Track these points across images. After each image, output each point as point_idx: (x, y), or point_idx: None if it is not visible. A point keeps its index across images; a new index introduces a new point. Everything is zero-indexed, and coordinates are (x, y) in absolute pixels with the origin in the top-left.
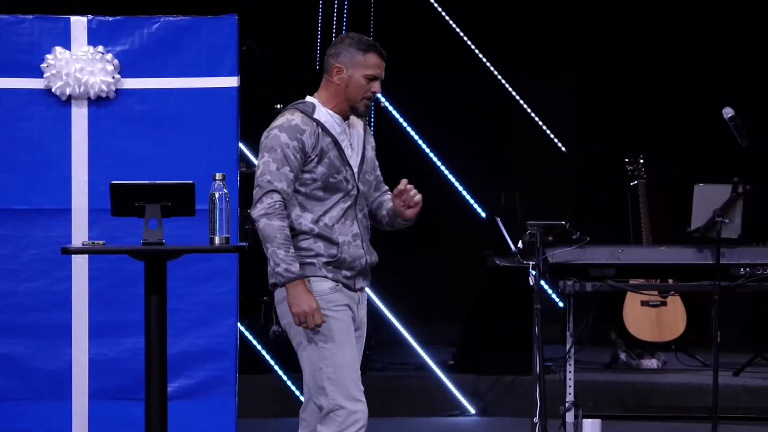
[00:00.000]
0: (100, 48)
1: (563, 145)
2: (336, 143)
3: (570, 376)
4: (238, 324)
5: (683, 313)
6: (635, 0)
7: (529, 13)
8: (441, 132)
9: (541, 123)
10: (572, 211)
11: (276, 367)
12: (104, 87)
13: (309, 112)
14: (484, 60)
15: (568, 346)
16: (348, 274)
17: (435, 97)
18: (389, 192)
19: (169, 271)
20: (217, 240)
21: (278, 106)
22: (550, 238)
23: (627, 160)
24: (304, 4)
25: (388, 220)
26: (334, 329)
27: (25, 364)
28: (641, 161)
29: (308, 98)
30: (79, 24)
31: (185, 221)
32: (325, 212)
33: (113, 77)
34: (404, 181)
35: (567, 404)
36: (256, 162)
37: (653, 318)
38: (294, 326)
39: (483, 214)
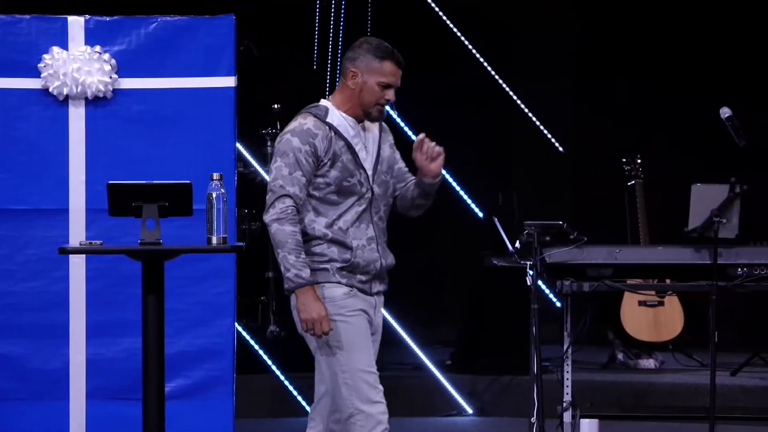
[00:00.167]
0: (98, 48)
1: (561, 145)
2: (349, 147)
3: (567, 376)
4: (236, 324)
5: (680, 313)
6: (634, 0)
7: (528, 13)
8: (439, 132)
9: (539, 123)
10: (570, 211)
11: (273, 367)
12: (101, 87)
13: (322, 116)
14: (483, 60)
15: (565, 346)
16: (363, 278)
17: (433, 97)
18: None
19: (166, 271)
20: (214, 240)
21: (276, 106)
22: (548, 238)
23: (624, 160)
24: (302, 4)
25: (420, 192)
26: (349, 334)
27: (22, 364)
28: (639, 161)
29: (322, 101)
30: (76, 24)
31: (182, 221)
32: (339, 216)
33: (110, 77)
34: (422, 135)
35: (564, 404)
36: (253, 162)
37: (651, 318)
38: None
39: (480, 214)
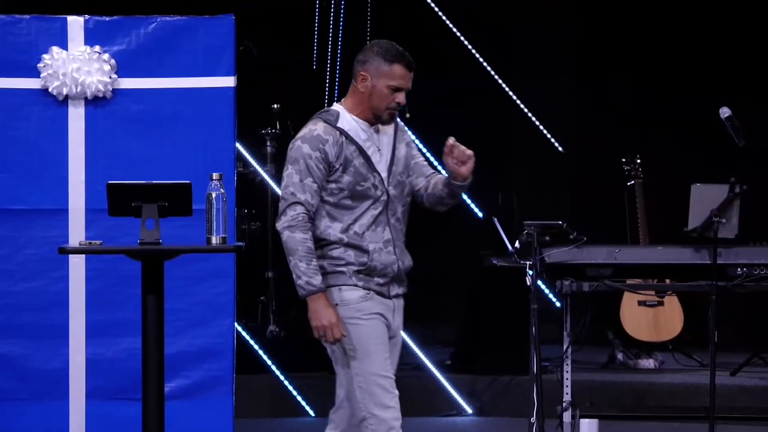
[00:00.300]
0: (97, 48)
1: (561, 145)
2: (361, 151)
3: (567, 376)
4: (235, 324)
5: (680, 313)
6: (634, 0)
7: (528, 13)
8: (439, 132)
9: (538, 123)
10: (569, 211)
11: (273, 367)
12: (101, 87)
13: (332, 121)
14: (482, 60)
15: (565, 346)
16: (381, 281)
17: (433, 96)
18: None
19: (166, 271)
20: (214, 240)
21: (275, 106)
22: (547, 238)
23: (624, 160)
24: (301, 4)
25: (448, 193)
26: (364, 338)
27: (22, 364)
28: (638, 161)
29: (335, 105)
30: (75, 24)
31: (182, 221)
32: (355, 220)
33: (110, 77)
34: (451, 139)
35: (564, 404)
36: (253, 162)
37: (650, 318)
38: None
39: (480, 214)
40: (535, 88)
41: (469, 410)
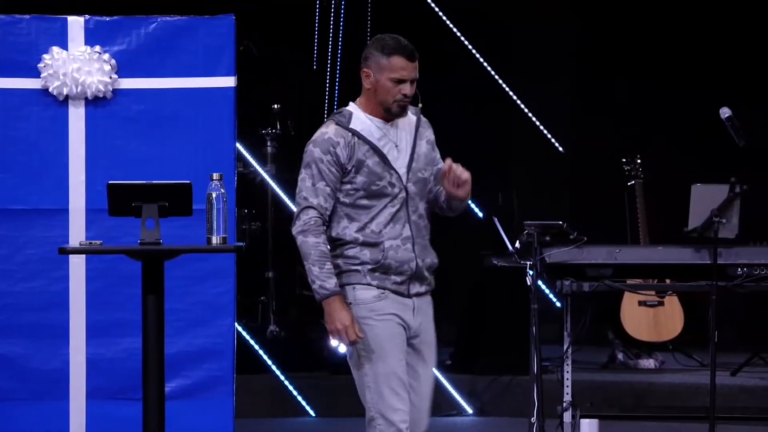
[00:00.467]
0: (97, 48)
1: (561, 145)
2: (376, 150)
3: (567, 376)
4: (236, 324)
5: (680, 313)
6: (634, 0)
7: (528, 13)
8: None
9: (538, 123)
10: (569, 211)
11: (273, 367)
12: (101, 87)
13: (344, 123)
14: (483, 60)
15: (565, 346)
16: (398, 279)
17: (433, 96)
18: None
19: (166, 271)
20: (214, 240)
21: (275, 106)
22: (548, 238)
23: (624, 160)
24: (302, 4)
25: (447, 206)
26: (375, 339)
27: (22, 364)
28: (638, 161)
29: (350, 105)
30: (76, 24)
31: (182, 221)
32: (372, 219)
33: (110, 77)
34: (448, 162)
35: (564, 404)
36: (253, 162)
37: (650, 318)
38: None
39: (480, 214)
40: (535, 88)
41: (470, 410)
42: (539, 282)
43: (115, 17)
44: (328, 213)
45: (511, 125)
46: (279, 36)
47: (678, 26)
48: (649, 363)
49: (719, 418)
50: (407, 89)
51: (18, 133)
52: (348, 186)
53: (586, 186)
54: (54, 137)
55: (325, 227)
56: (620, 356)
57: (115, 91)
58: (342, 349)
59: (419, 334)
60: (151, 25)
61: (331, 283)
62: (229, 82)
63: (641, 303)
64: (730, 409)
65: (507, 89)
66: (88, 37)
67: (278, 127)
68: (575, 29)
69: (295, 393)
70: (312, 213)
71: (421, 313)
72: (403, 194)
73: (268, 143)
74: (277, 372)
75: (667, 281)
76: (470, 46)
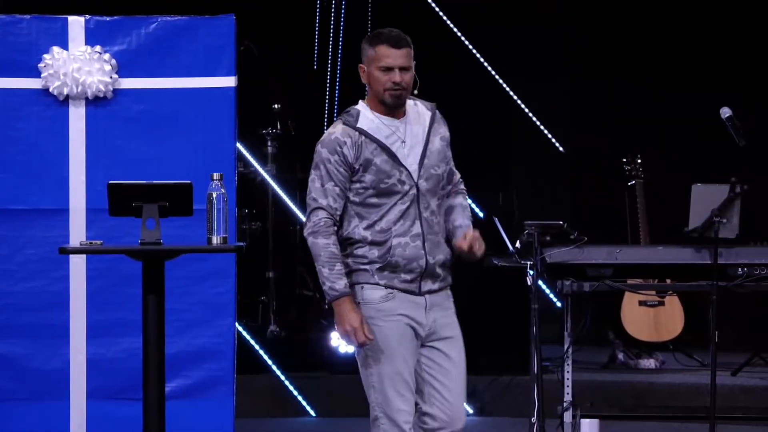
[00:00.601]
0: (98, 48)
1: (561, 145)
2: (384, 148)
3: (568, 376)
4: (236, 324)
5: (681, 313)
6: (634, 0)
7: (528, 13)
8: None
9: (539, 123)
10: (570, 211)
11: (274, 367)
12: (102, 87)
13: (352, 122)
14: (483, 60)
15: (565, 346)
16: (407, 277)
17: (433, 96)
18: (459, 195)
19: (166, 270)
20: (214, 240)
21: (276, 106)
22: (548, 238)
23: (624, 160)
24: (302, 4)
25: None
26: (381, 339)
27: (22, 364)
28: (639, 161)
29: (359, 103)
30: (76, 24)
31: (183, 221)
32: (382, 217)
33: (111, 77)
34: (465, 244)
35: (565, 404)
36: (253, 162)
37: (651, 318)
38: None
39: (481, 214)
40: (535, 88)
41: (470, 410)
42: (539, 282)
43: (115, 17)
44: (338, 213)
45: (511, 125)
46: (279, 36)
47: (678, 26)
48: (649, 363)
49: (720, 418)
50: (396, 77)
51: (18, 133)
52: (357, 185)
53: (586, 186)
54: (54, 137)
55: (335, 227)
56: (621, 356)
57: (115, 91)
58: (343, 349)
59: (436, 330)
60: (152, 25)
61: (341, 284)
62: (230, 82)
63: (642, 303)
64: (730, 409)
65: (507, 89)
66: (88, 37)
67: (278, 127)
68: (575, 29)
69: (295, 393)
70: (321, 214)
71: (436, 309)
72: (414, 191)
73: (269, 143)
74: (278, 372)
75: (668, 281)
76: (470, 46)
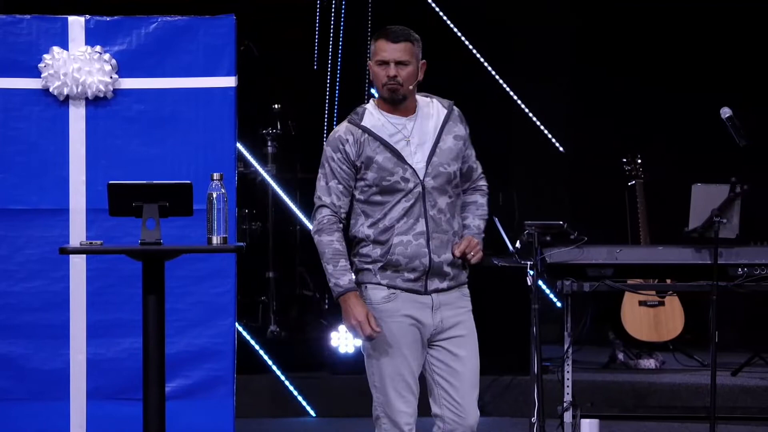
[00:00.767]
0: (98, 48)
1: (561, 144)
2: (386, 145)
3: (568, 376)
4: (236, 324)
5: (681, 313)
6: (634, 0)
7: (528, 13)
8: None
9: (538, 123)
10: (570, 210)
11: (274, 368)
12: (102, 87)
13: (356, 120)
14: (483, 60)
15: (565, 346)
16: (411, 276)
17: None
18: (477, 192)
19: (167, 271)
20: (214, 240)
21: (276, 106)
22: (548, 238)
23: (624, 160)
24: (302, 4)
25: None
26: (383, 340)
27: (22, 365)
28: (639, 161)
29: (369, 102)
30: (76, 24)
31: (183, 221)
32: (385, 215)
33: (111, 77)
34: (458, 250)
35: (565, 404)
36: (253, 162)
37: (651, 318)
38: None
39: None
40: (535, 88)
41: None
42: (540, 282)
43: (115, 17)
44: (342, 211)
45: (511, 125)
46: (279, 36)
47: (678, 26)
48: (649, 363)
49: (720, 418)
50: (391, 71)
51: (18, 133)
52: (361, 182)
53: (586, 186)
54: (54, 137)
55: (340, 225)
56: (621, 356)
57: (115, 91)
58: (343, 349)
59: (443, 330)
60: (152, 25)
61: (345, 280)
62: (230, 82)
63: (642, 303)
64: (730, 409)
65: (507, 89)
66: (88, 37)
67: (279, 127)
68: (575, 29)
69: (295, 393)
70: (325, 212)
71: (445, 309)
72: (419, 189)
73: (269, 143)
74: (278, 372)
75: (668, 281)
76: (470, 46)
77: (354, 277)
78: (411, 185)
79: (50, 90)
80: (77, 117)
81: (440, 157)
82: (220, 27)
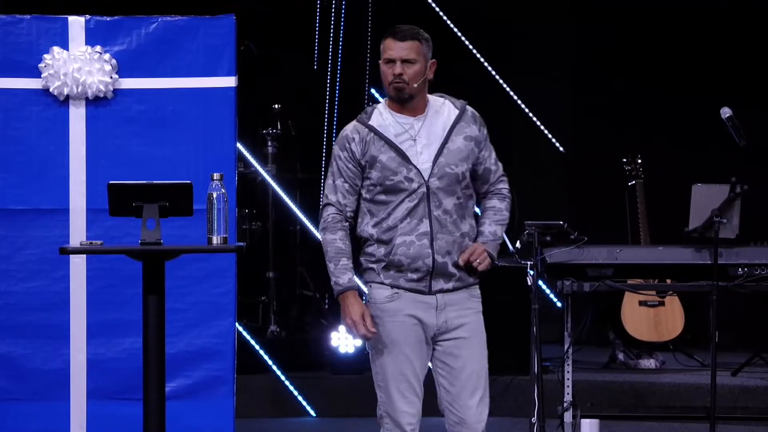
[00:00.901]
0: (98, 48)
1: (561, 144)
2: (391, 145)
3: (568, 376)
4: (236, 324)
5: (681, 313)
6: (635, 0)
7: (528, 13)
8: None
9: (539, 123)
10: (570, 211)
11: (274, 368)
12: (102, 87)
13: (364, 119)
14: (483, 60)
15: (566, 346)
16: (414, 276)
17: None
18: (495, 197)
19: (167, 271)
20: (214, 240)
21: (276, 106)
22: (548, 238)
23: (625, 160)
24: (302, 4)
25: None
26: (385, 339)
27: (22, 365)
28: (639, 161)
29: (381, 102)
30: (76, 24)
31: (183, 221)
32: (389, 214)
33: (111, 77)
34: (463, 259)
35: (565, 404)
36: (253, 162)
37: (651, 318)
38: None
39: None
40: (535, 88)
41: None
42: (540, 282)
43: (115, 17)
44: (348, 209)
45: (511, 125)
46: (279, 36)
47: (678, 27)
48: (649, 363)
49: (720, 418)
50: (396, 69)
51: (18, 133)
52: (367, 181)
53: (586, 186)
54: (55, 137)
55: (344, 223)
56: (621, 356)
57: (115, 91)
58: (343, 349)
59: (447, 330)
60: (152, 25)
61: (345, 278)
62: (230, 82)
63: (642, 303)
64: (730, 409)
65: (507, 89)
66: (88, 37)
67: (279, 127)
68: (576, 29)
69: (295, 393)
70: (330, 210)
71: (451, 309)
72: (423, 189)
73: (269, 143)
74: (278, 372)
75: (668, 281)
76: (471, 46)
77: (354, 276)
78: (415, 185)
79: (50, 90)
80: (77, 117)
81: (447, 157)
82: (220, 27)
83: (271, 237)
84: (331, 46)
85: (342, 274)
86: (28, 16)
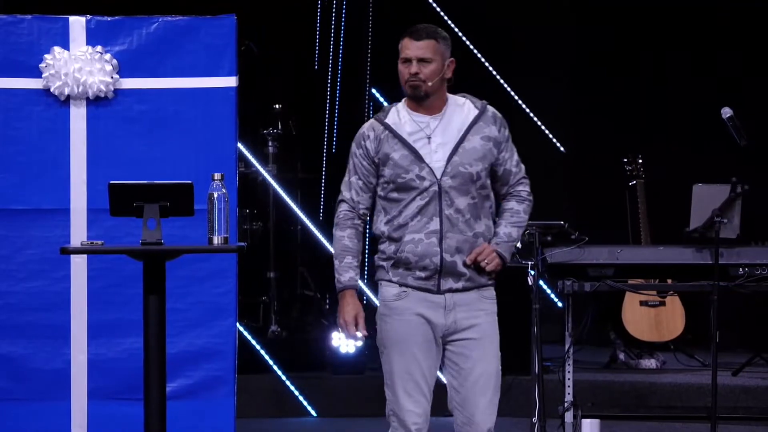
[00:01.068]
0: (99, 48)
1: (562, 144)
2: (404, 143)
3: (569, 376)
4: (237, 324)
5: (682, 313)
6: (635, 0)
7: (528, 13)
8: None
9: (539, 123)
10: (570, 211)
11: (275, 368)
12: (103, 87)
13: (381, 117)
14: (483, 60)
15: (566, 346)
16: (422, 275)
17: None
18: (513, 199)
19: (167, 271)
20: (215, 240)
21: (276, 106)
22: (549, 238)
23: (625, 160)
24: (302, 4)
25: None
26: (393, 338)
27: (23, 365)
28: (640, 161)
29: (401, 100)
30: (77, 24)
31: (184, 221)
32: (400, 212)
33: (112, 77)
34: (470, 259)
35: (566, 404)
36: (254, 162)
37: (652, 318)
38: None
39: None
40: (535, 87)
41: None
42: (540, 282)
43: (116, 17)
44: (361, 206)
45: (512, 124)
46: (280, 36)
47: (678, 26)
48: (650, 363)
49: (721, 418)
50: (413, 68)
51: (19, 133)
52: (381, 179)
53: (586, 186)
54: (55, 137)
55: (356, 221)
56: (621, 356)
57: (116, 91)
58: (344, 349)
59: (456, 331)
60: (153, 25)
61: (346, 276)
62: (231, 82)
63: (643, 303)
64: (731, 409)
65: (507, 89)
66: (89, 37)
67: (279, 127)
68: (576, 29)
69: (296, 393)
70: (343, 207)
71: (460, 310)
72: (435, 188)
73: (270, 143)
74: (279, 372)
75: (669, 281)
76: (471, 46)
77: (357, 274)
78: (426, 183)
79: (51, 90)
80: (78, 117)
81: (462, 156)
82: (220, 27)
83: (271, 237)
84: (331, 46)
85: (344, 271)
86: (29, 16)
